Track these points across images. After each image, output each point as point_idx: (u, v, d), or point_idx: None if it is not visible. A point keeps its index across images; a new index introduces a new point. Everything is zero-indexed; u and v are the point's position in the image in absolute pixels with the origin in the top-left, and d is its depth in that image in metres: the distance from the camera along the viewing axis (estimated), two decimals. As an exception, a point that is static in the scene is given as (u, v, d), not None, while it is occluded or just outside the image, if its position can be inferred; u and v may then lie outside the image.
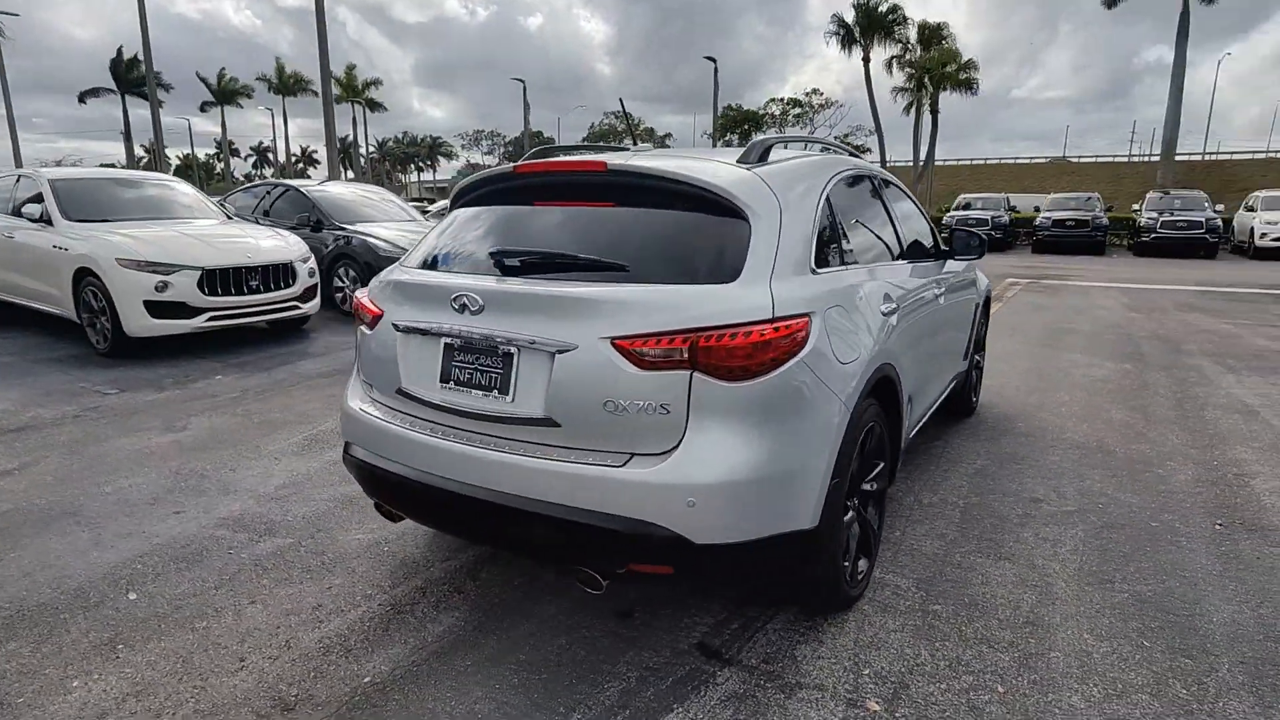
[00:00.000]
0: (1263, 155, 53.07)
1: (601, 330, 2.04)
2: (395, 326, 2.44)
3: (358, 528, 3.27)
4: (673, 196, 2.30)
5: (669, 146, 51.99)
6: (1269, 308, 10.50)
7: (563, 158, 2.60)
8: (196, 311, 6.40)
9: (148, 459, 4.07)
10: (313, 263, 7.55)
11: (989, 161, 63.00)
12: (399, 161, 71.43)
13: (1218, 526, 3.32)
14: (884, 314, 2.70)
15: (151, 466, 3.96)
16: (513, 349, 2.19)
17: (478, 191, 2.74)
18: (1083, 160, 62.57)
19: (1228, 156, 55.57)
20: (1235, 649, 2.40)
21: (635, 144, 3.34)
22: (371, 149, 56.93)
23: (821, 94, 32.09)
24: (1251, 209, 21.05)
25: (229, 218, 8.21)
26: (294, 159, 67.21)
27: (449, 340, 2.32)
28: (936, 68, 23.18)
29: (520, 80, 37.03)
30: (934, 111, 24.44)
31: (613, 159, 2.38)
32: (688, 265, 2.19)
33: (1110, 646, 2.41)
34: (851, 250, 2.78)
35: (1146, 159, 57.68)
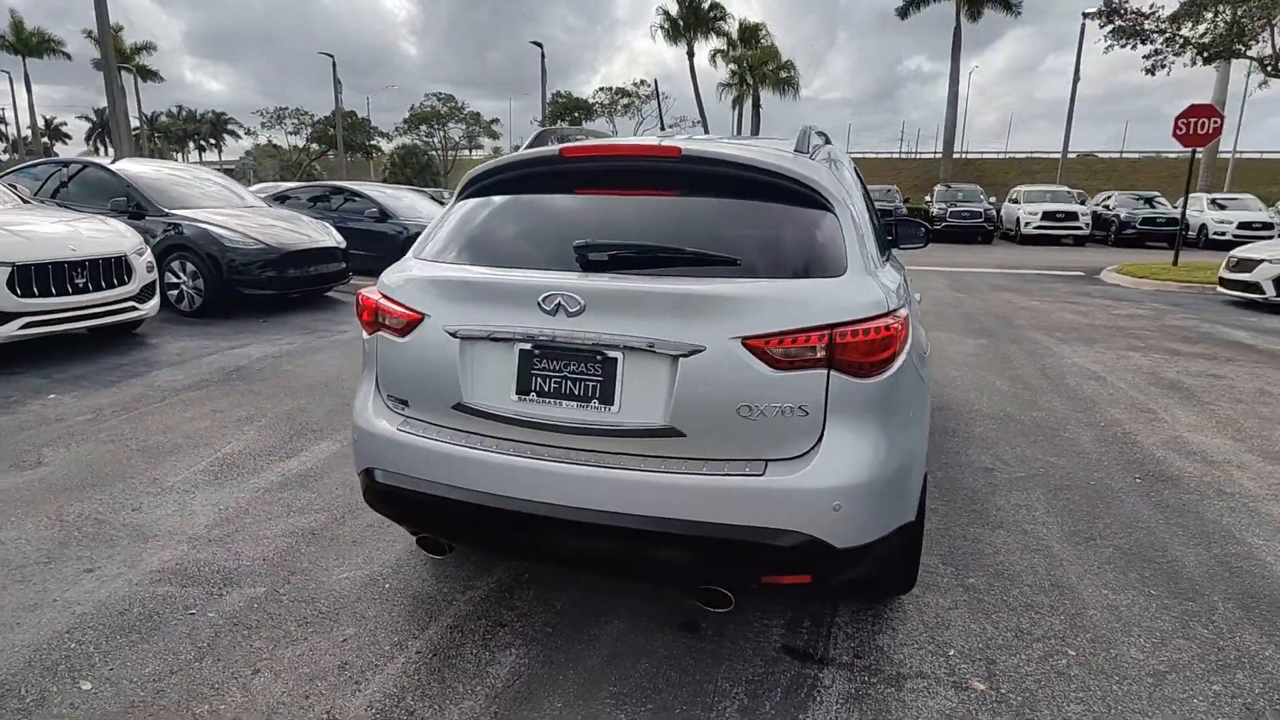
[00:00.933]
0: (1004, 155, 62.04)
1: (732, 330, 1.89)
2: (451, 333, 2.10)
3: (339, 564, 2.82)
4: (752, 186, 2.18)
5: (496, 133, 50.69)
6: (1054, 286, 12.31)
7: (621, 141, 2.37)
8: (7, 318, 5.19)
9: (9, 506, 3.23)
10: (149, 255, 6.41)
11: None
12: (176, 139, 62.92)
13: (1138, 480, 3.81)
14: (914, 304, 2.77)
15: (21, 515, 3.15)
16: (616, 354, 1.96)
17: (500, 177, 2.43)
18: (866, 156, 69.89)
19: (978, 155, 64.35)
20: (1217, 587, 2.76)
21: (663, 128, 3.13)
22: (139, 123, 49.40)
23: (649, 85, 32.86)
24: (1015, 201, 24.63)
25: (25, 201, 6.74)
26: (39, 132, 56.93)
27: (527, 346, 2.04)
28: (758, 65, 24.59)
29: (329, 55, 34.05)
30: (756, 107, 25.94)
31: (687, 144, 2.21)
32: (790, 258, 2.09)
33: (1129, 598, 2.67)
34: (878, 242, 2.82)
35: (917, 156, 65.88)
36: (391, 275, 2.36)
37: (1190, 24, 13.16)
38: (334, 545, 2.97)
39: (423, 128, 43.63)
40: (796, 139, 2.53)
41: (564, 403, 2.01)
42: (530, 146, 2.83)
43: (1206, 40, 13.30)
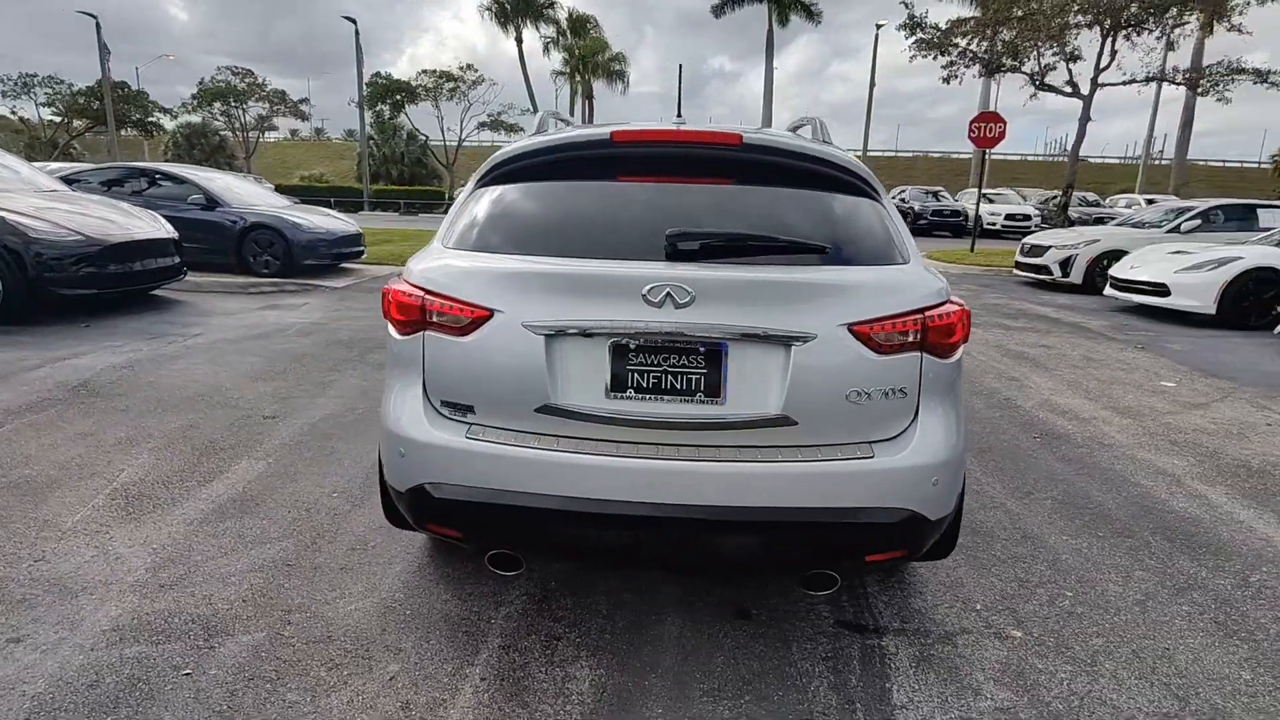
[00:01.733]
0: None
1: (840, 316, 1.92)
2: (535, 329, 1.93)
3: (338, 595, 2.50)
4: (808, 176, 2.22)
5: (305, 114, 46.33)
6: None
7: (683, 127, 2.28)
8: None
9: None
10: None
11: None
12: None
13: (1037, 439, 4.36)
14: None
15: (-127, 584, 2.46)
16: (723, 345, 1.92)
17: (538, 160, 2.27)
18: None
19: None
20: (1142, 524, 3.24)
21: (679, 115, 3.02)
22: None
23: (476, 69, 31.58)
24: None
25: None
26: None
27: (622, 340, 1.93)
28: (589, 55, 24.63)
29: (92, 15, 29.05)
30: (588, 97, 25.99)
31: (749, 133, 2.19)
32: (863, 247, 2.14)
33: (1085, 541, 3.07)
34: None
35: None
36: (431, 267, 2.12)
37: (977, 40, 15.10)
38: (320, 575, 2.63)
39: (216, 104, 38.93)
40: (812, 131, 2.60)
41: (665, 398, 1.94)
42: (538, 131, 2.69)
43: (987, 56, 15.34)
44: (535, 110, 28.50)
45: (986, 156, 16.11)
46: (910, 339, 1.97)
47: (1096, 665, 2.26)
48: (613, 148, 2.22)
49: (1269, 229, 10.23)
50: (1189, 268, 8.48)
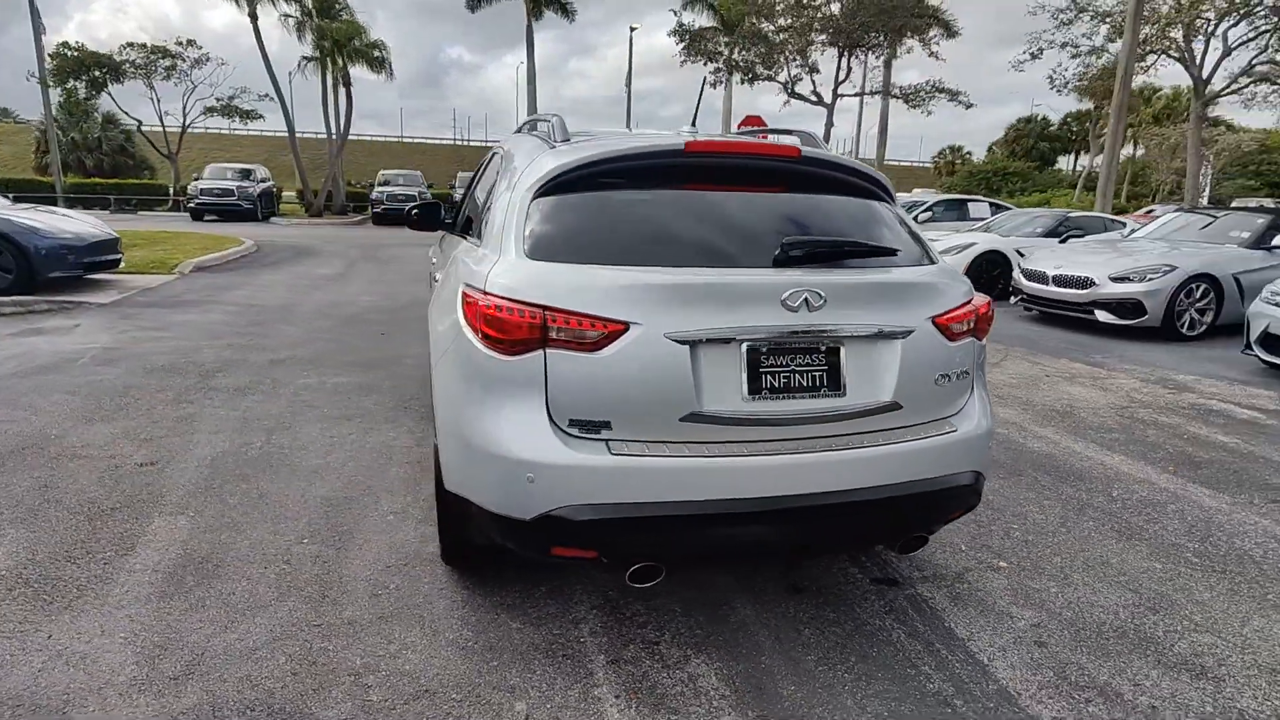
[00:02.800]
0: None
1: (927, 311, 2.19)
2: (679, 339, 1.94)
3: (402, 645, 2.27)
4: (846, 185, 2.47)
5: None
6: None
7: (742, 140, 2.37)
8: None
9: None
10: None
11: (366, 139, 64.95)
12: None
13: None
14: None
15: None
16: (841, 342, 2.09)
17: (602, 168, 2.25)
18: (428, 142, 70.66)
19: None
20: (1022, 463, 4.01)
21: (694, 125, 2.95)
22: None
23: (199, 46, 27.24)
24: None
25: None
26: None
27: (757, 344, 2.02)
28: (345, 39, 22.64)
29: None
30: (347, 85, 23.87)
31: (803, 147, 2.38)
32: (906, 249, 2.43)
33: (997, 485, 3.72)
34: None
35: (469, 143, 69.48)
36: (541, 281, 2.01)
37: (740, 50, 16.66)
38: (362, 629, 2.35)
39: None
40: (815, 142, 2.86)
41: (795, 396, 2.07)
42: (529, 131, 2.66)
43: (746, 65, 17.01)
44: (279, 97, 25.73)
45: None
46: (968, 327, 2.31)
47: (1069, 578, 2.83)
48: (686, 157, 2.27)
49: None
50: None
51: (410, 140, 69.67)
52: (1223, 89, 18.05)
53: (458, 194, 3.69)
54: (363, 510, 3.18)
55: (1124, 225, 11.13)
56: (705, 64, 16.63)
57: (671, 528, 1.99)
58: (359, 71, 24.45)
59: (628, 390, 1.97)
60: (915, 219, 12.60)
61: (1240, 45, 16.89)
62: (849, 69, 16.13)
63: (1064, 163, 59.09)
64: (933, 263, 2.43)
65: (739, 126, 15.54)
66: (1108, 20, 17.51)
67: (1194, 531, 3.25)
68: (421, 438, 4.07)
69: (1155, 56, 17.77)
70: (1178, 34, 16.98)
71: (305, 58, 23.77)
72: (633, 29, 31.52)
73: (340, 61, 23.16)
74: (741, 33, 15.72)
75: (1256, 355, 6.13)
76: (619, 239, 2.17)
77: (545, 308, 1.97)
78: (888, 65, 16.60)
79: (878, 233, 2.43)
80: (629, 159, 2.27)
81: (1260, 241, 7.97)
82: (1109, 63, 18.63)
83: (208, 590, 2.53)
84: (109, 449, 3.73)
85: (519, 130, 3.39)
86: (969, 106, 18.05)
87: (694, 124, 3.02)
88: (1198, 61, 17.49)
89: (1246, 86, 18.25)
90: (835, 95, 16.58)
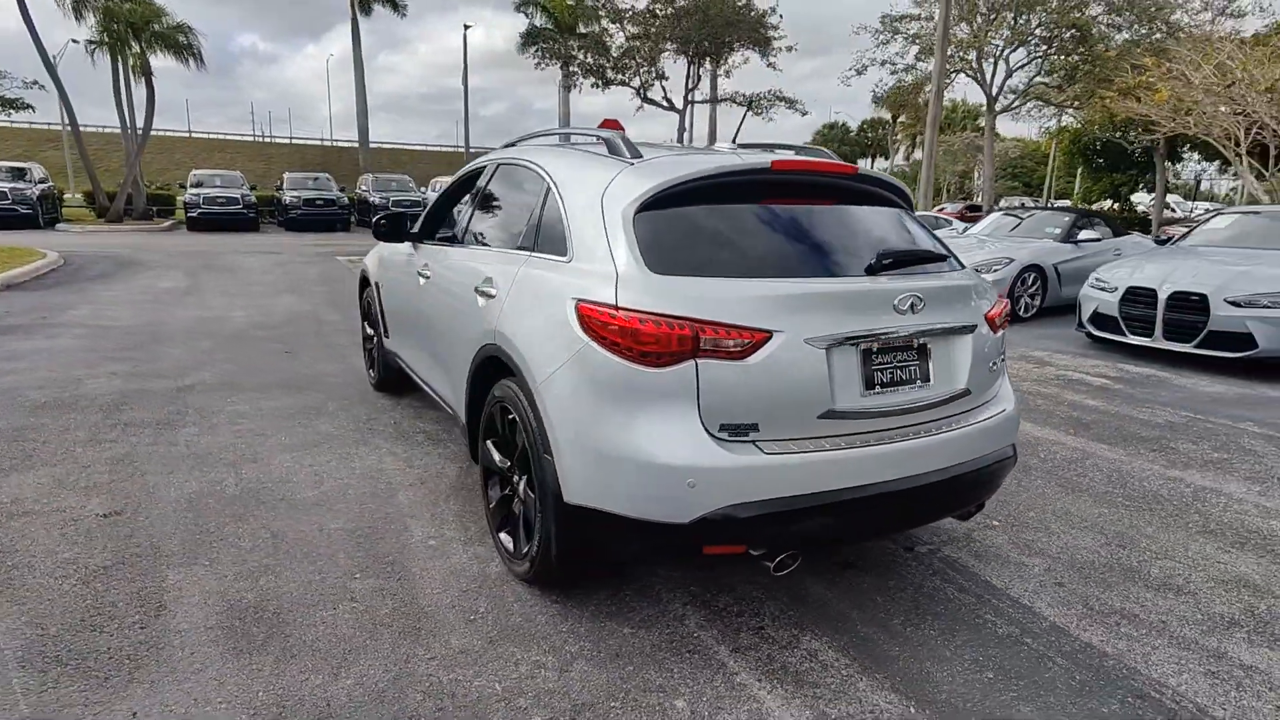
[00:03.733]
0: (398, 145, 65.75)
1: (981, 308, 2.53)
2: (815, 344, 2.11)
3: (536, 665, 2.26)
4: (880, 198, 2.77)
5: None
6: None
7: (819, 159, 2.57)
8: None
9: None
10: None
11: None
12: None
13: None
14: None
15: None
16: (929, 339, 2.37)
17: (700, 184, 2.38)
18: (227, 138, 64.48)
19: (332, 143, 65.90)
20: (961, 436, 4.58)
21: (735, 141, 2.97)
22: None
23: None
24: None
25: None
26: None
27: (869, 345, 2.24)
28: (141, 23, 19.89)
29: None
30: (147, 74, 20.91)
31: (861, 166, 2.64)
32: (947, 255, 2.77)
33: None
34: None
35: (272, 139, 64.59)
36: (686, 295, 2.11)
37: (592, 55, 16.90)
38: (481, 660, 2.30)
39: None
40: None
41: (896, 389, 2.32)
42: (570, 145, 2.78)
43: (599, 69, 17.32)
44: (58, 87, 22.13)
45: None
46: (1001, 320, 2.70)
47: (1049, 528, 3.34)
48: (771, 174, 2.45)
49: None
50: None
51: (204, 136, 62.89)
52: (1009, 104, 21.22)
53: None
54: (397, 539, 3.03)
55: (951, 223, 12.70)
56: (562, 66, 16.72)
57: (815, 517, 2.17)
58: (160, 61, 21.74)
59: (774, 393, 2.12)
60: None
61: (1019, 68, 20.06)
62: (699, 77, 17.01)
63: (863, 165, 65.44)
64: (963, 266, 2.80)
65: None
66: (917, 41, 19.98)
67: (1113, 480, 3.94)
68: (408, 459, 3.90)
69: (955, 75, 20.32)
70: (972, 56, 19.67)
71: (90, 42, 20.72)
72: (467, 27, 30.80)
73: (137, 48, 20.46)
74: (592, 38, 15.99)
75: (1087, 332, 7.36)
76: (732, 252, 2.31)
77: (695, 320, 2.07)
78: (713, 76, 17.59)
79: (920, 239, 2.75)
80: (723, 176, 2.41)
81: (1068, 236, 9.49)
82: (919, 78, 21.19)
83: (286, 639, 2.34)
84: (52, 502, 3.24)
85: (539, 142, 3.36)
86: (804, 114, 19.86)
87: (735, 141, 3.19)
88: (989, 80, 20.43)
89: (1022, 105, 21.55)
90: (687, 101, 17.35)
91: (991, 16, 18.31)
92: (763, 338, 2.11)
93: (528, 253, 2.75)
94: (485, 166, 3.60)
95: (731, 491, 2.09)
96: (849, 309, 2.25)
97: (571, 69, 16.94)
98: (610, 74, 17.01)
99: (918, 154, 46.02)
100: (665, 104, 17.57)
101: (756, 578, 2.81)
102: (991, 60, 19.68)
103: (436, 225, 3.97)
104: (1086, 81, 17.66)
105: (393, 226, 4.13)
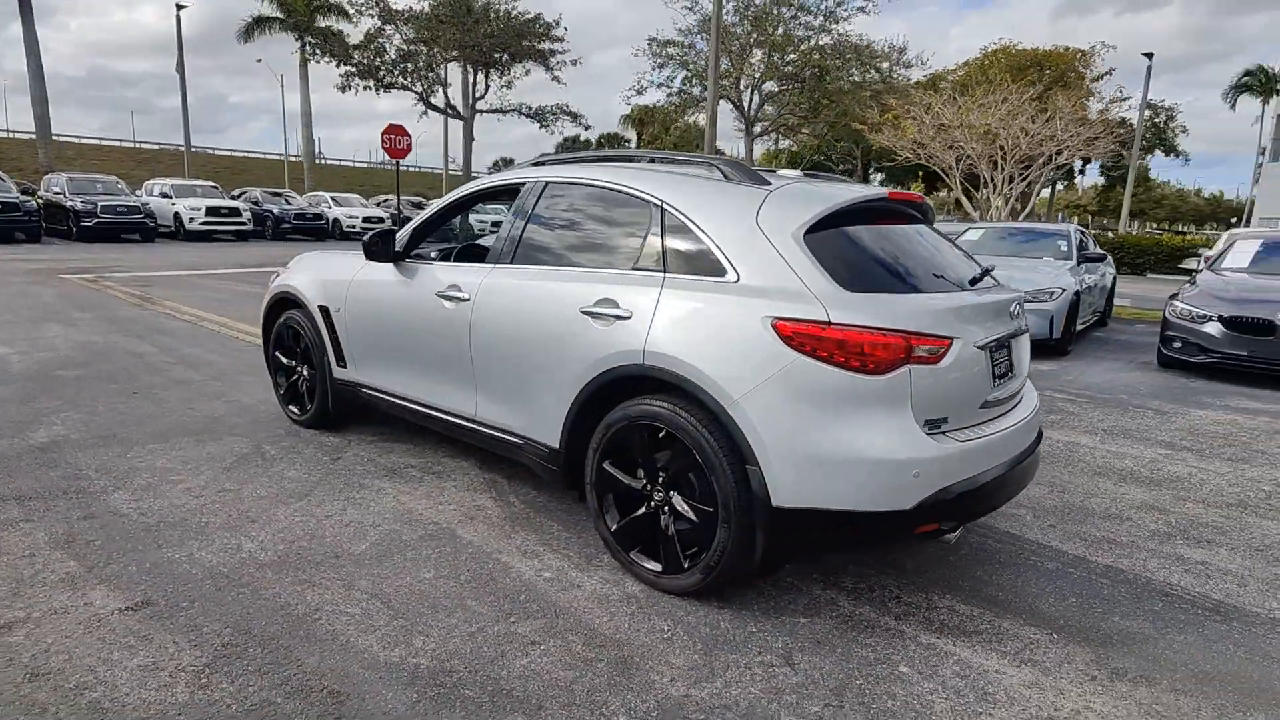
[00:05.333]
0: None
1: (1020, 311, 3.16)
2: (980, 346, 2.53)
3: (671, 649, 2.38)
4: (924, 218, 3.30)
5: None
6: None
7: (906, 191, 2.96)
8: None
9: None
10: None
11: None
12: None
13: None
14: None
15: None
16: (1013, 339, 2.92)
17: (850, 209, 2.71)
18: None
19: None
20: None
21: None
22: None
23: None
24: (167, 195, 23.11)
25: None
26: None
27: (996, 344, 2.72)
28: None
29: None
30: None
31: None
32: None
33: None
34: None
35: None
36: (894, 312, 2.41)
37: (371, 56, 15.84)
38: (716, 673, 2.36)
39: None
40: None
41: (1006, 380, 2.83)
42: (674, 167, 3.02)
43: (380, 71, 16.32)
44: None
45: (399, 166, 17.12)
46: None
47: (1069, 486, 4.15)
48: (886, 203, 2.85)
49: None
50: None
51: None
52: (764, 130, 24.11)
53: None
54: (510, 577, 2.88)
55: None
56: (339, 65, 15.33)
57: (985, 491, 2.59)
58: None
59: (958, 389, 2.51)
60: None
61: (770, 99, 22.90)
62: (487, 86, 16.78)
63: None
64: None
65: (384, 133, 15.03)
66: (689, 68, 21.84)
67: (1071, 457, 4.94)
68: (428, 495, 3.61)
69: (721, 100, 22.49)
70: (728, 85, 22.00)
71: None
72: (180, 7, 26.34)
73: None
74: (369, 38, 15.00)
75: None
76: (885, 269, 2.65)
77: (905, 331, 2.38)
78: (473, 87, 17.57)
79: (962, 254, 3.32)
80: (863, 202, 2.76)
81: (1082, 258, 10.46)
82: (687, 100, 23.16)
83: (514, 697, 2.18)
84: (58, 623, 2.52)
85: (606, 167, 3.33)
86: (588, 128, 20.57)
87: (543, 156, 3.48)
88: (746, 106, 23.00)
89: (775, 130, 24.66)
90: (473, 110, 17.01)
91: (745, 53, 20.73)
92: (949, 343, 2.48)
93: (658, 273, 2.81)
94: (521, 185, 3.48)
95: (941, 477, 2.44)
96: (991, 316, 2.72)
97: (349, 69, 15.69)
98: (390, 77, 16.08)
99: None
100: (450, 112, 17.07)
101: (856, 560, 3.16)
102: (749, 90, 22.28)
103: (447, 245, 3.73)
104: (826, 114, 20.98)
105: (386, 245, 3.78)
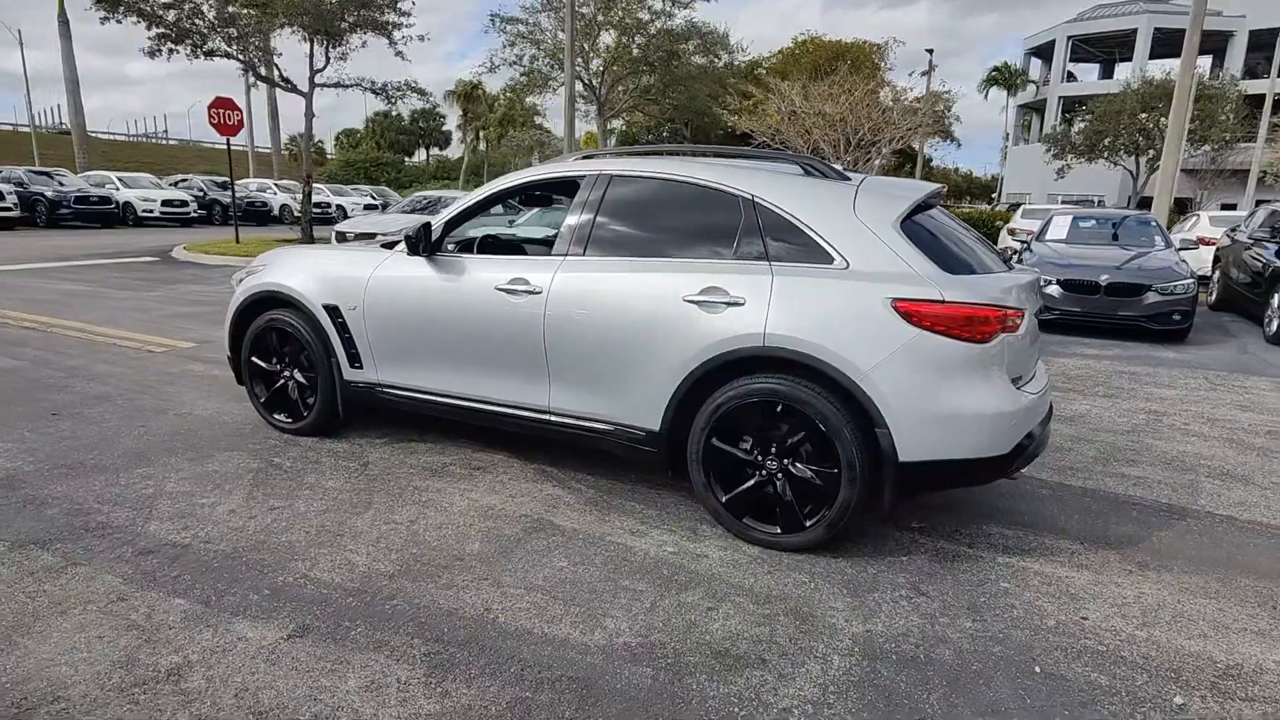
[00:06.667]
0: None
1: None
2: (1032, 315, 3.07)
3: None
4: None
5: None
6: (151, 272, 12.09)
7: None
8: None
9: None
10: None
11: None
12: None
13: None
14: None
15: None
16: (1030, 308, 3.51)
17: (915, 202, 3.12)
18: None
19: None
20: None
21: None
22: None
23: None
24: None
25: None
26: None
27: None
28: None
29: None
30: None
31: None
32: None
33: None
34: None
35: None
36: (987, 290, 2.84)
37: (186, 17, 13.96)
38: (895, 607, 2.71)
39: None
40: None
41: (1036, 345, 3.41)
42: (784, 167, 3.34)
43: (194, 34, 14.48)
44: None
45: (230, 144, 15.26)
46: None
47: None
48: (936, 196, 3.29)
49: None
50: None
51: None
52: (616, 109, 24.30)
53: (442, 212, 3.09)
54: (645, 552, 3.02)
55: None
56: (150, 27, 13.21)
57: (1042, 436, 3.14)
58: None
59: (1025, 353, 3.03)
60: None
61: (619, 81, 23.17)
62: (327, 59, 15.40)
63: (420, 155, 65.71)
64: None
65: (210, 107, 13.68)
66: (540, 47, 21.36)
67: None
68: (504, 492, 3.60)
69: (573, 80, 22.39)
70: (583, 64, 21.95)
71: None
72: None
73: None
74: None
75: None
76: (959, 252, 3.09)
77: (999, 306, 2.83)
78: (310, 58, 16.32)
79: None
80: (931, 195, 3.17)
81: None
82: (539, 79, 22.70)
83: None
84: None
85: (682, 161, 3.45)
86: (435, 106, 19.48)
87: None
88: (598, 87, 23.03)
89: (627, 110, 25.01)
90: (313, 84, 15.59)
91: (591, 32, 20.79)
92: (1022, 314, 2.98)
93: (762, 262, 3.05)
94: (579, 179, 3.54)
95: (1024, 424, 2.95)
96: (1030, 292, 3.25)
97: (161, 30, 13.66)
98: (213, 44, 14.26)
99: (482, 147, 48.38)
100: (285, 85, 15.54)
101: (907, 506, 3.64)
102: (602, 71, 22.36)
103: (493, 239, 3.69)
104: (676, 96, 21.66)
105: (429, 238, 3.65)
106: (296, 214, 25.71)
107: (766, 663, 2.36)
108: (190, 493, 3.46)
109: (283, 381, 4.31)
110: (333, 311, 4.00)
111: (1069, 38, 43.01)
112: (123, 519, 3.16)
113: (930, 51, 31.45)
